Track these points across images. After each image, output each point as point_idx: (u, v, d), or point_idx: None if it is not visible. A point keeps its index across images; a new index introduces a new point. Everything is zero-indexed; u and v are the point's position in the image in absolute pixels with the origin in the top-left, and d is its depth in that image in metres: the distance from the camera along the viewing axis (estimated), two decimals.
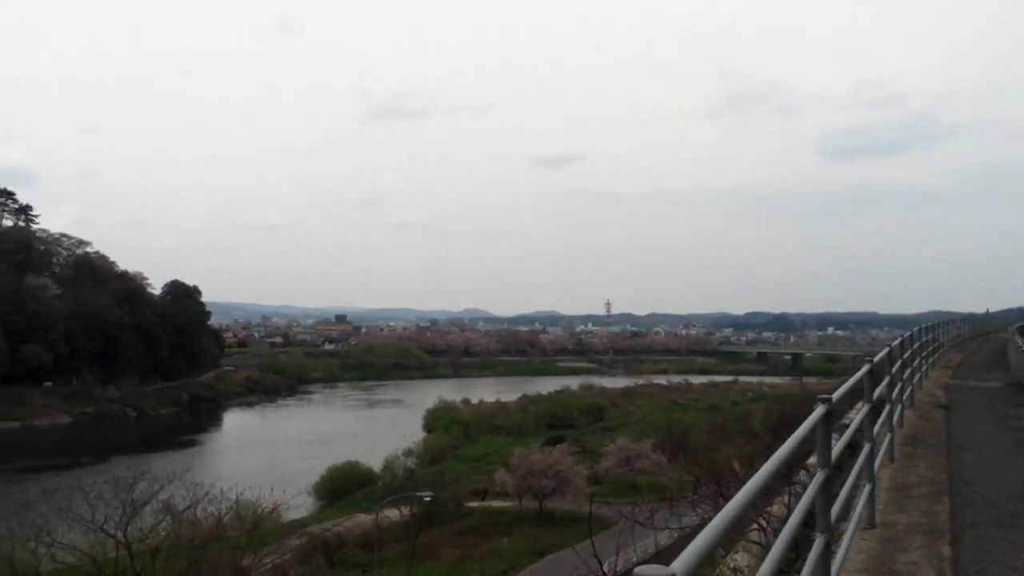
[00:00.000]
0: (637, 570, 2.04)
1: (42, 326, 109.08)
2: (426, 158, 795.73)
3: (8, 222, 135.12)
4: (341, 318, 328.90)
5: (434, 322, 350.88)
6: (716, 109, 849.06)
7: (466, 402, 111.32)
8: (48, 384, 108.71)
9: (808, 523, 4.28)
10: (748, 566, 6.53)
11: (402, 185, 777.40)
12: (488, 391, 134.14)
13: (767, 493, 7.14)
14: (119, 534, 26.77)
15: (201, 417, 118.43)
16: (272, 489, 36.09)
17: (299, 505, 48.51)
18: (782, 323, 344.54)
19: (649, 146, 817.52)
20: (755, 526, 7.18)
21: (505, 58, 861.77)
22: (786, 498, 7.43)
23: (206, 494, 30.37)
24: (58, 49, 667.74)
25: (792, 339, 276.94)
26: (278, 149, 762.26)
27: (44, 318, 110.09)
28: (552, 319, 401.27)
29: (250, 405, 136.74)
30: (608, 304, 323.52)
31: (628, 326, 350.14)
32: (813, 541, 4.30)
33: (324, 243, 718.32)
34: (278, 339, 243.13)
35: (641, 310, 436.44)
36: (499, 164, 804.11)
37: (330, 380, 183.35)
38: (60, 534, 27.53)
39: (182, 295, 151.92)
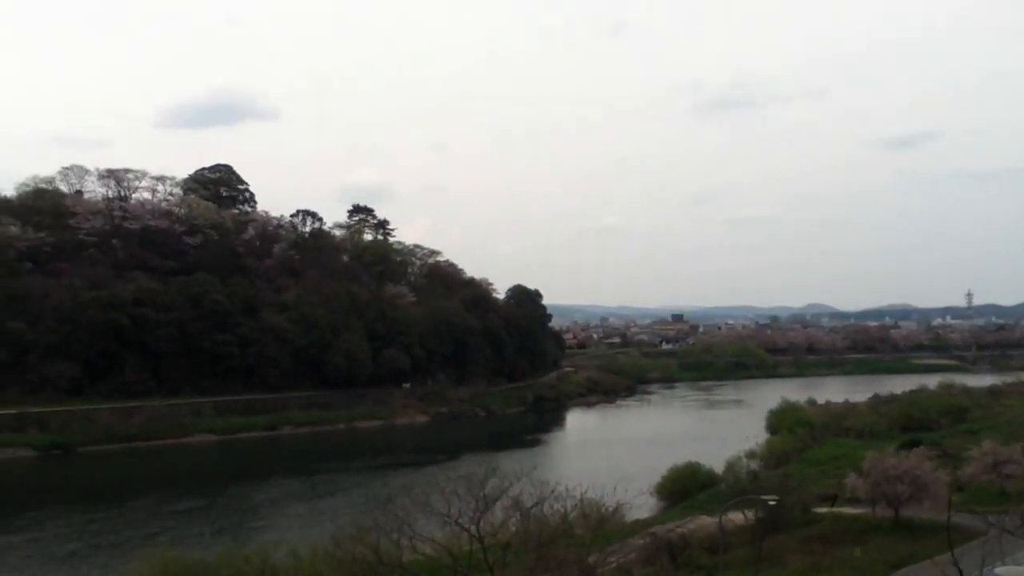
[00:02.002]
0: (998, 570, 1.97)
1: (400, 331, 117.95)
2: (761, 149, 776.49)
3: (369, 236, 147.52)
4: (678, 317, 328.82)
5: (774, 319, 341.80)
6: None
7: (811, 402, 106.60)
8: (407, 385, 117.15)
9: None
10: None
11: (737, 179, 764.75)
12: (835, 391, 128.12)
13: None
14: (472, 528, 27.70)
15: (544, 417, 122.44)
16: (615, 488, 36.14)
17: (641, 505, 48.47)
18: None
19: (1013, 117, 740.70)
20: None
21: (840, 38, 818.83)
22: None
23: (552, 492, 30.79)
24: (408, 74, 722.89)
25: None
26: (611, 151, 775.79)
27: (402, 324, 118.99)
28: (904, 313, 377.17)
29: (590, 405, 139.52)
30: (969, 295, 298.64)
31: (992, 318, 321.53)
32: None
33: (659, 242, 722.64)
34: (616, 340, 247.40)
35: (1009, 300, 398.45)
36: (840, 150, 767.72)
37: (668, 380, 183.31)
38: (419, 527, 29.01)
39: (524, 299, 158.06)
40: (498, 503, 29.21)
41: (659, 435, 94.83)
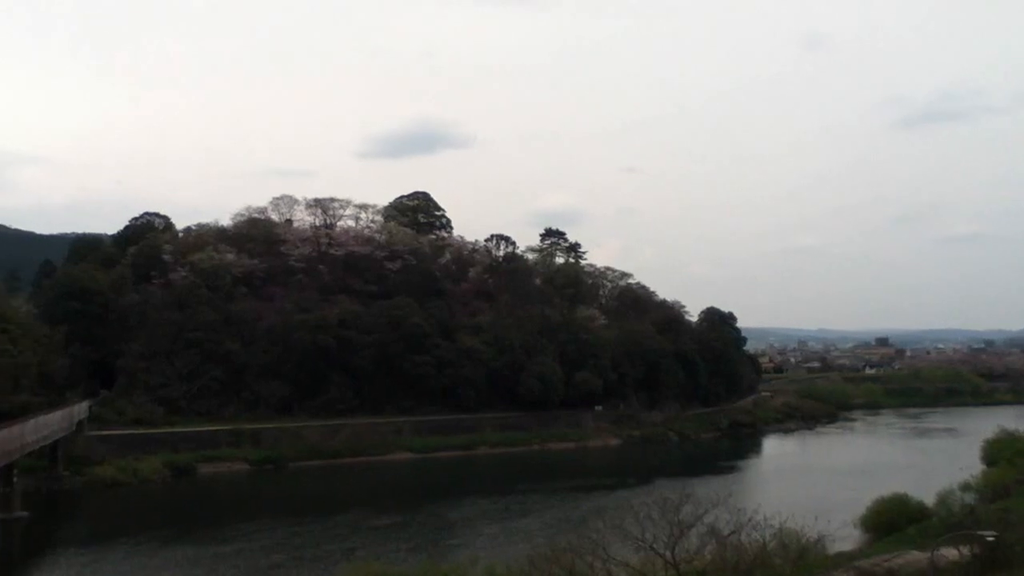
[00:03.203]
0: None
1: (592, 354, 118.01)
2: (973, 163, 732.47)
3: (560, 260, 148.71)
4: (882, 341, 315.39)
5: (989, 343, 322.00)
6: None
7: None
8: (599, 408, 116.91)
9: None
10: None
11: (946, 195, 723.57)
12: None
13: None
14: (667, 554, 27.34)
15: (740, 442, 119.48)
16: (816, 519, 34.77)
17: (844, 537, 46.26)
18: None
19: None
20: None
21: None
22: None
23: (749, 520, 29.97)
24: (598, 97, 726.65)
25: None
26: (807, 168, 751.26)
27: (594, 347, 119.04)
28: None
29: (788, 431, 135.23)
30: None
31: None
32: None
33: (861, 262, 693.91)
34: (815, 364, 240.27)
35: None
36: None
37: (872, 406, 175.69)
38: (614, 550, 28.81)
39: (718, 321, 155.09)
40: (693, 529, 28.66)
41: (862, 464, 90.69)
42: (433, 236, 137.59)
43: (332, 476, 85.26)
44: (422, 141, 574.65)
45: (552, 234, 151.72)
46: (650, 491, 55.75)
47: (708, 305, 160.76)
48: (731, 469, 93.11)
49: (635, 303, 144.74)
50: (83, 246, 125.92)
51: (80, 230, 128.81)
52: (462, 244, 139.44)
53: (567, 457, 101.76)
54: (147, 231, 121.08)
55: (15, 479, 59.66)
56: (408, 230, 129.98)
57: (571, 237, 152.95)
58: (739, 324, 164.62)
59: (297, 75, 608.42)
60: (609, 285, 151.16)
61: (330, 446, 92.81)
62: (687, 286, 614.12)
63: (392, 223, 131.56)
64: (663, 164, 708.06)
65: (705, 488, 44.13)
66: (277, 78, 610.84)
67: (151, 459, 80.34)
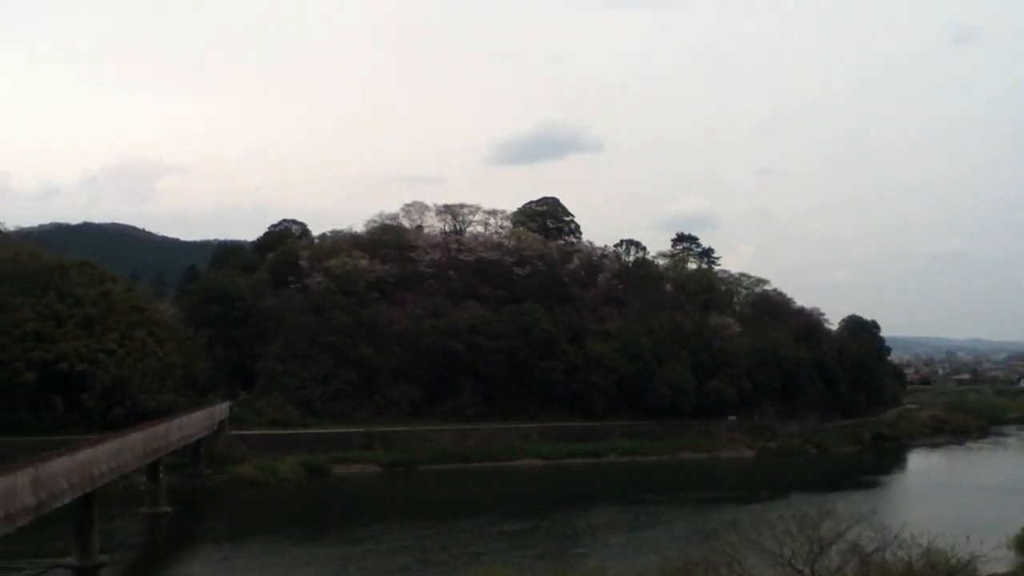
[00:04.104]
0: None
1: (725, 362, 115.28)
2: None
3: (692, 265, 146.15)
4: None
5: None
6: None
7: None
8: (732, 418, 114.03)
9: None
10: None
11: None
12: None
13: None
14: (806, 570, 26.16)
15: (883, 456, 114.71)
16: (967, 538, 32.62)
17: (998, 559, 43.42)
18: None
19: None
20: None
21: None
22: None
23: (894, 538, 28.36)
24: (731, 99, 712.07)
25: None
26: (956, 168, 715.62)
27: (727, 355, 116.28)
28: None
29: (935, 446, 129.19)
30: None
31: None
32: None
33: (1015, 268, 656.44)
34: (965, 375, 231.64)
35: None
36: None
37: None
38: (748, 564, 27.71)
39: (859, 330, 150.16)
40: (834, 546, 27.29)
41: (1016, 482, 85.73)
42: (562, 242, 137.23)
43: (461, 480, 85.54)
44: (551, 146, 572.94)
45: (684, 239, 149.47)
46: (786, 505, 53.79)
47: (850, 313, 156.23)
48: (874, 484, 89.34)
49: (771, 310, 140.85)
50: (224, 252, 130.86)
51: (222, 236, 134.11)
52: (591, 250, 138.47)
53: (698, 467, 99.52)
54: (284, 237, 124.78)
55: (161, 476, 61.97)
56: (537, 236, 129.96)
57: (704, 242, 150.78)
58: (883, 333, 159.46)
59: (427, 81, 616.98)
60: (744, 292, 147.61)
61: (460, 450, 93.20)
62: (827, 293, 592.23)
63: (521, 229, 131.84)
64: (801, 165, 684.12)
65: (846, 504, 42.11)
66: (407, 85, 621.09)
67: (288, 459, 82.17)
